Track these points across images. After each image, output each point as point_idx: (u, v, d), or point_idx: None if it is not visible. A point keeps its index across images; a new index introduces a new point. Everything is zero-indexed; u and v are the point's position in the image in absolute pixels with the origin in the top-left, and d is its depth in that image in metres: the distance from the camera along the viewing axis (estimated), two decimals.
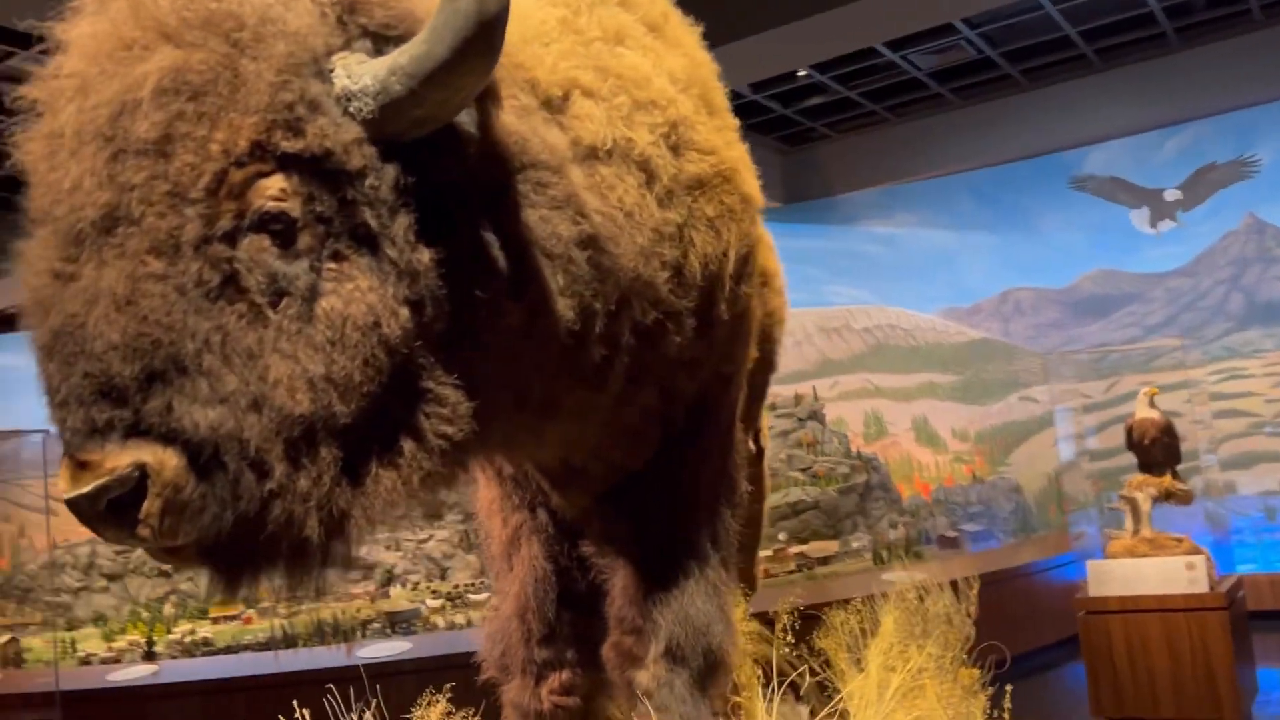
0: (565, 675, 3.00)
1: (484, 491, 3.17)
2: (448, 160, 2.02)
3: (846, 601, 4.69)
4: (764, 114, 11.97)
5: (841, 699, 3.47)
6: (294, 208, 1.83)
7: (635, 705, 2.70)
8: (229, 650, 10.21)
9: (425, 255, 1.95)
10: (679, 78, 2.64)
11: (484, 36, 1.84)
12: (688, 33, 2.85)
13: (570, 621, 3.01)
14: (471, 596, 10.42)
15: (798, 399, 12.77)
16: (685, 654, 2.71)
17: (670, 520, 2.82)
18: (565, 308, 2.22)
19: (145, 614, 11.42)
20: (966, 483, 12.25)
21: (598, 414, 2.60)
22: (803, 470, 12.18)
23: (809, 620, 4.61)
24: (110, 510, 1.73)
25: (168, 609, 11.33)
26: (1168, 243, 12.22)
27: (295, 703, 3.04)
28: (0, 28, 6.21)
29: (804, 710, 3.96)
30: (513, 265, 2.13)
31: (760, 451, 4.64)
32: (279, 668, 9.16)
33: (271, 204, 1.81)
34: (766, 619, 4.94)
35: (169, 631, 10.87)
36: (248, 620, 11.00)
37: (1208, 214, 12.05)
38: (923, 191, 12.88)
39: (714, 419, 2.92)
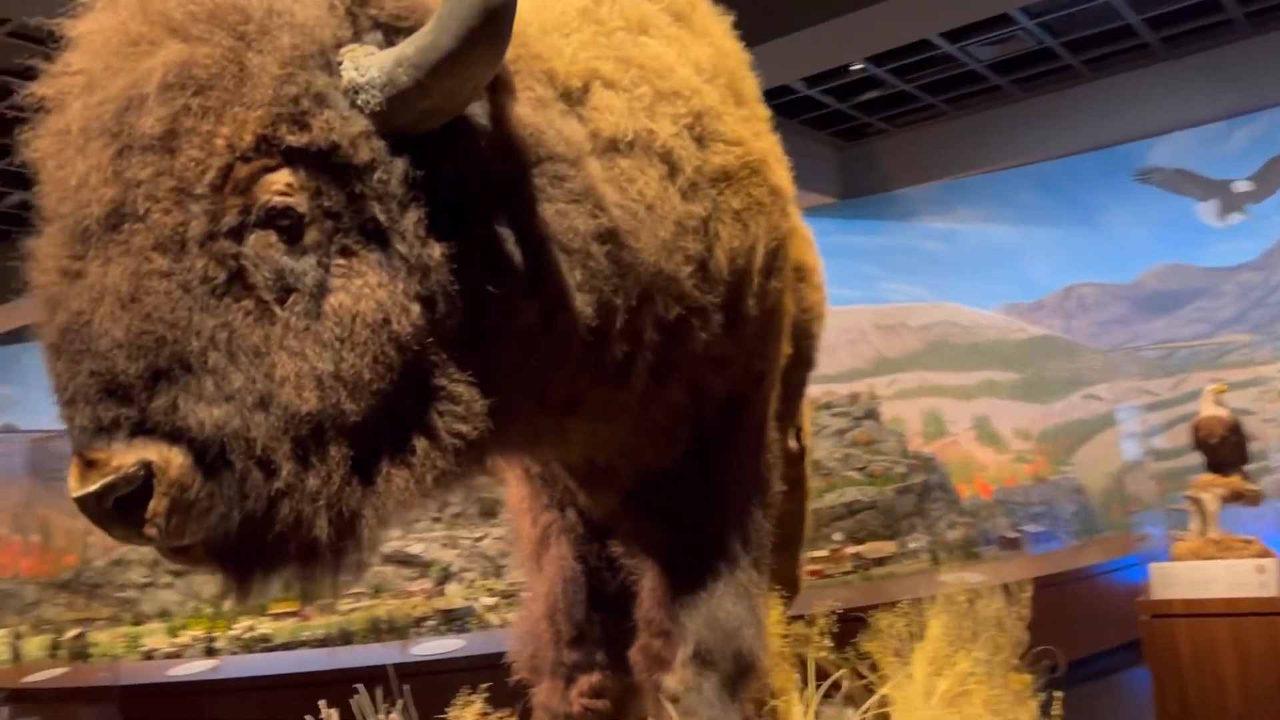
0: (595, 678, 2.95)
1: (514, 490, 3.14)
2: (460, 153, 1.98)
3: (894, 604, 4.57)
4: (818, 109, 11.84)
5: (882, 702, 3.39)
6: (300, 203, 1.80)
7: (663, 709, 2.65)
8: (286, 647, 10.34)
9: (436, 250, 1.91)
10: (705, 67, 2.58)
11: (491, 25, 1.80)
12: (716, 22, 2.78)
13: (600, 623, 2.96)
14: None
15: (854, 397, 12.63)
16: (714, 657, 2.65)
17: (700, 521, 2.76)
18: (584, 304, 2.17)
19: (208, 610, 11.63)
20: (1028, 483, 12.02)
21: (623, 412, 2.54)
22: (859, 470, 12.04)
23: (855, 623, 4.52)
24: (117, 509, 1.71)
25: (229, 605, 11.52)
26: (1237, 236, 11.85)
27: (321, 702, 3.02)
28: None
29: (853, 715, 3.88)
30: (529, 260, 2.09)
31: (802, 450, 4.55)
32: (334, 664, 9.22)
33: (277, 199, 1.79)
34: (811, 621, 4.86)
35: (230, 627, 11.04)
36: (306, 617, 11.14)
37: (1279, 206, 11.67)
38: (982, 186, 12.65)
39: (745, 418, 2.85)
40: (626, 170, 2.30)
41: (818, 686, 3.08)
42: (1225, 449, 7.72)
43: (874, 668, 4.27)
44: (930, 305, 12.93)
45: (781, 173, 2.74)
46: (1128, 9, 10.17)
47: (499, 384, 2.06)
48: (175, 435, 1.72)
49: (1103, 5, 10.04)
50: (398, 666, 8.28)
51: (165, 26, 1.82)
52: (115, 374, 1.70)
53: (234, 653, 10.25)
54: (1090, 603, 9.83)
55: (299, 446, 1.80)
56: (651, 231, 2.32)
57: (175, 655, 10.26)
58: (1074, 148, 12.03)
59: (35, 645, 11.72)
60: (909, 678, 3.92)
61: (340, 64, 1.87)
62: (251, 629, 10.91)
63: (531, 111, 2.15)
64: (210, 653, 10.14)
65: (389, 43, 1.93)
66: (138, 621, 11.64)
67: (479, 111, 1.99)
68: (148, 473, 1.70)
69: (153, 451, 1.70)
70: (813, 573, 10.87)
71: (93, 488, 1.69)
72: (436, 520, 11.57)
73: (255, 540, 1.82)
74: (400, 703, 3.07)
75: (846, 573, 10.77)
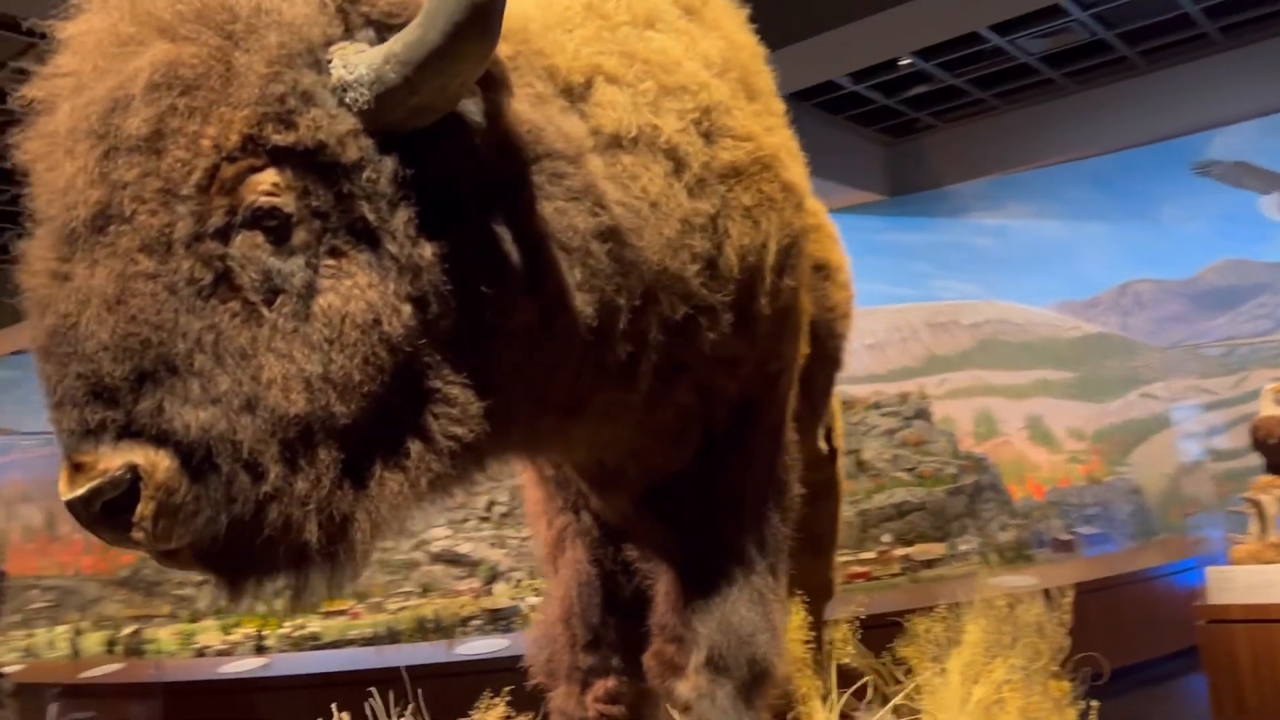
0: (611, 683, 2.91)
1: (530, 493, 3.11)
2: (453, 151, 1.95)
3: (930, 608, 4.47)
4: (865, 105, 11.67)
5: (914, 710, 3.31)
6: (288, 203, 1.79)
7: (677, 716, 2.60)
8: (334, 645, 10.44)
9: (428, 250, 1.89)
10: (714, 62, 2.53)
11: (478, 21, 1.77)
12: (729, 15, 2.73)
13: (616, 627, 2.92)
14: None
15: (903, 397, 12.47)
16: (728, 664, 2.60)
17: (713, 524, 2.71)
18: (584, 303, 2.14)
19: (260, 607, 11.78)
20: (1082, 484, 11.75)
21: (629, 413, 2.50)
22: (908, 470, 11.89)
23: (892, 628, 4.43)
24: (105, 512, 1.71)
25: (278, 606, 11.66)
26: None
27: (334, 705, 3.01)
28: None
29: None
30: (526, 260, 2.05)
31: (833, 452, 4.47)
32: (381, 663, 9.28)
33: (264, 199, 1.77)
34: (848, 625, 4.78)
35: (281, 625, 11.18)
36: (355, 615, 11.25)
37: None
38: (1035, 181, 12.38)
39: (759, 419, 2.79)
40: (629, 167, 2.26)
41: (841, 693, 3.00)
42: None
43: (910, 674, 4.19)
44: (982, 303, 12.69)
45: (796, 168, 2.67)
46: None
47: (497, 385, 2.03)
48: (161, 438, 1.71)
49: None
50: (442, 666, 8.34)
51: (154, 27, 1.81)
52: (101, 377, 1.70)
53: (283, 650, 10.38)
54: (1146, 607, 9.61)
55: (287, 449, 1.78)
56: (655, 229, 2.28)
57: (226, 652, 10.42)
58: (1129, 141, 11.72)
59: (94, 641, 11.97)
60: (943, 684, 3.84)
61: (329, 62, 1.85)
62: (302, 627, 11.05)
63: (530, 108, 2.12)
64: (260, 650, 10.28)
65: (381, 40, 1.91)
66: (193, 618, 11.84)
67: (473, 109, 1.97)
68: (134, 476, 1.69)
69: (139, 455, 1.69)
70: (861, 575, 10.76)
71: (80, 491, 1.68)
72: (485, 520, 11.62)
73: (244, 544, 1.80)
74: (411, 706, 3.04)
75: (895, 575, 10.64)
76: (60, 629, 12.32)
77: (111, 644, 11.19)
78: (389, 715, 3.12)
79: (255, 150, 1.76)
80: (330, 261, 1.83)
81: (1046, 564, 10.68)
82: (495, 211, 2.03)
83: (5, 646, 11.37)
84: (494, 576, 11.23)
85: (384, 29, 1.92)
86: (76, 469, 1.69)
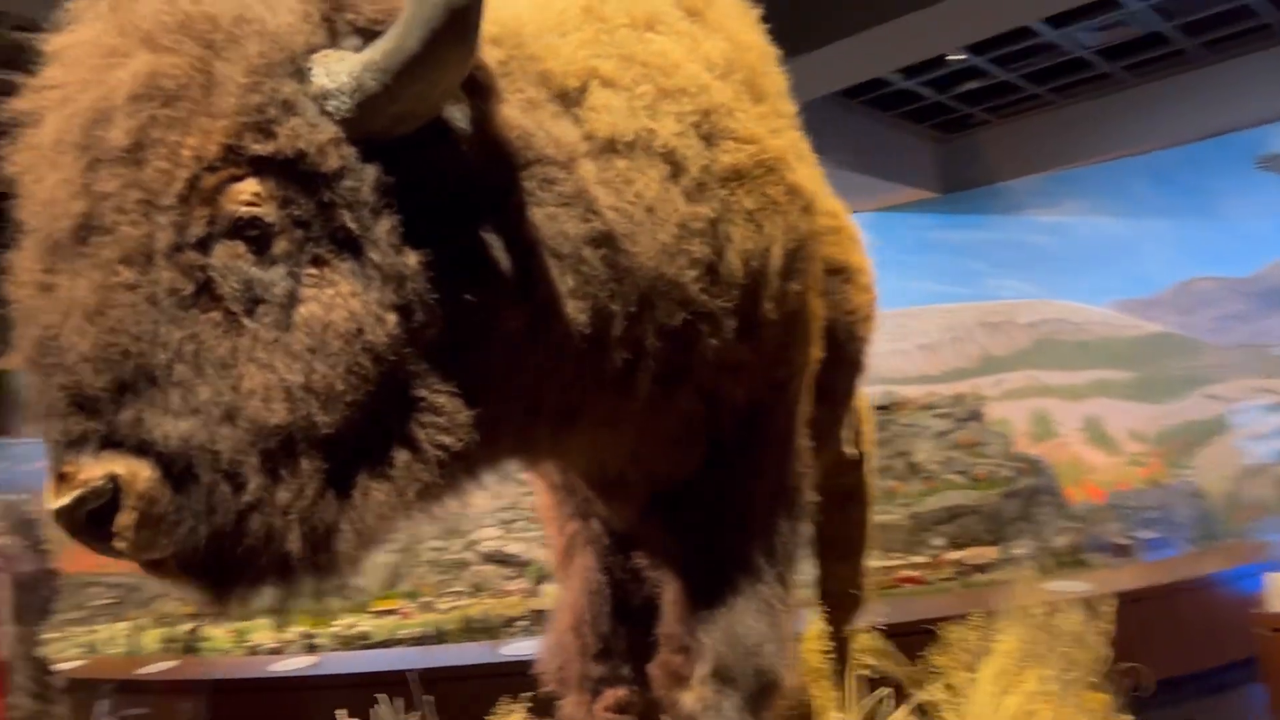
0: (621, 692, 2.89)
1: (542, 498, 3.10)
2: (439, 158, 1.94)
3: (963, 616, 4.39)
4: (916, 101, 11.52)
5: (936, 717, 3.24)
6: (269, 212, 1.79)
7: None
8: (384, 645, 10.53)
9: (412, 258, 1.88)
10: (717, 63, 2.48)
11: (456, 26, 1.75)
12: (736, 16, 2.68)
13: (626, 636, 2.90)
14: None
15: (957, 398, 12.28)
16: (734, 675, 2.56)
17: (720, 533, 2.67)
18: (577, 310, 2.11)
19: (314, 606, 11.93)
20: (1142, 486, 11.47)
21: (629, 421, 2.47)
22: (961, 473, 11.71)
23: (926, 635, 4.37)
24: (90, 522, 1.72)
25: (332, 602, 11.81)
26: None
27: (341, 711, 3.01)
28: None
29: None
30: (516, 266, 2.04)
31: (861, 457, 4.40)
32: (430, 662, 9.34)
33: (244, 209, 1.77)
34: (887, 633, 4.72)
35: (331, 624, 11.31)
36: (406, 614, 11.34)
37: None
38: (1092, 177, 12.11)
39: (768, 426, 2.74)
40: (624, 171, 2.23)
41: (859, 703, 2.95)
42: None
43: (942, 682, 4.11)
44: (1038, 302, 12.45)
45: (803, 171, 2.61)
46: None
47: (487, 393, 2.01)
48: (142, 449, 1.72)
49: None
50: (487, 667, 8.36)
51: (138, 38, 1.82)
52: (82, 388, 1.71)
53: (333, 649, 10.49)
54: (1207, 614, 9.35)
55: (268, 459, 1.78)
56: (651, 234, 2.24)
57: (277, 651, 10.55)
58: (1190, 135, 11.42)
59: (153, 638, 12.20)
60: (973, 692, 3.76)
61: (312, 70, 1.85)
62: (353, 625, 11.17)
63: (520, 114, 2.10)
64: (310, 649, 10.40)
65: (367, 47, 1.90)
66: (248, 616, 12.01)
67: (458, 115, 1.95)
68: (116, 486, 1.70)
69: (120, 465, 1.70)
70: (911, 579, 10.61)
71: (63, 501, 1.70)
72: (535, 520, 11.66)
73: (227, 554, 1.80)
74: (420, 714, 3.04)
75: (945, 580, 10.48)
76: (121, 625, 12.57)
77: (168, 641, 11.38)
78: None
79: (235, 160, 1.77)
80: (313, 270, 1.83)
81: (1103, 569, 10.43)
82: (484, 218, 2.01)
83: (67, 642, 11.63)
84: (543, 577, 11.25)
85: (370, 36, 1.91)
86: (60, 479, 1.71)
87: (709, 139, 2.40)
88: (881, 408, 12.37)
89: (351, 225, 1.83)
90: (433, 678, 8.18)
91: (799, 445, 2.84)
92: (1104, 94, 11.65)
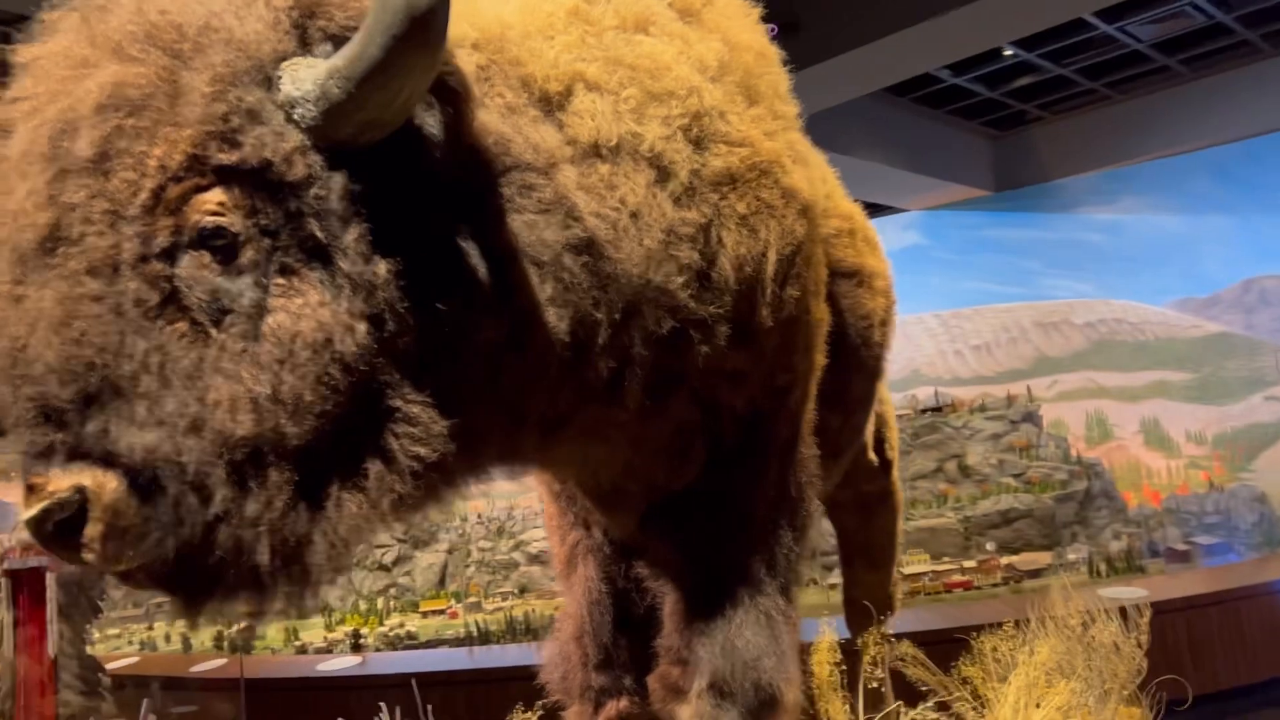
0: (623, 703, 2.84)
1: (546, 507, 3.07)
2: (412, 165, 1.91)
3: (998, 625, 4.26)
4: (968, 98, 11.34)
5: None
6: (234, 222, 1.77)
7: None
8: (428, 645, 10.59)
9: (383, 267, 1.85)
10: (710, 65, 2.42)
11: (417, 33, 1.72)
12: (734, 16, 2.61)
13: (628, 646, 2.85)
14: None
15: (1010, 400, 12.06)
16: (732, 688, 2.50)
17: (720, 543, 2.61)
18: (557, 318, 2.07)
19: (364, 606, 12.05)
20: (1202, 490, 11.16)
21: (619, 430, 2.42)
22: (1015, 476, 11.50)
23: (956, 645, 4.25)
24: (60, 533, 1.72)
25: (381, 602, 11.92)
26: None
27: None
28: None
29: None
30: (494, 274, 2.00)
31: (886, 464, 4.30)
32: (472, 664, 9.39)
33: (209, 219, 1.76)
34: (919, 641, 4.60)
35: (381, 624, 11.41)
36: (454, 614, 11.42)
37: None
38: (1150, 173, 11.81)
39: (768, 434, 2.67)
40: (607, 177, 2.18)
41: (869, 717, 2.88)
42: None
43: (975, 695, 4.00)
44: (1095, 301, 12.17)
45: (800, 173, 2.54)
46: None
47: (464, 403, 1.98)
48: (109, 460, 1.71)
49: None
50: (529, 669, 8.37)
51: (107, 49, 1.82)
52: (49, 399, 1.71)
53: (378, 649, 10.58)
54: (1270, 622, 9.07)
55: (235, 471, 1.76)
56: (636, 240, 2.19)
57: (326, 650, 10.66)
58: (1253, 130, 11.08)
59: (207, 636, 12.40)
60: (999, 704, 3.65)
61: (280, 78, 1.83)
62: (401, 625, 11.26)
63: (499, 119, 2.07)
64: (356, 648, 10.49)
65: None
66: (301, 615, 12.17)
67: (430, 121, 1.92)
68: (83, 497, 1.70)
69: (87, 477, 1.70)
70: (961, 584, 10.43)
71: (32, 512, 1.70)
72: None
73: (196, 566, 1.79)
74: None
75: (995, 585, 10.28)
76: (178, 622, 12.78)
77: (220, 638, 11.55)
78: None
79: (201, 169, 1.75)
80: (281, 280, 1.81)
81: (1159, 575, 10.17)
82: (459, 226, 1.98)
83: (124, 639, 11.87)
84: None
85: (342, 43, 1.89)
86: (29, 490, 1.71)
87: (699, 143, 2.34)
88: (933, 409, 12.20)
89: (319, 234, 1.81)
90: (467, 679, 8.24)
91: (803, 454, 2.77)
92: (1162, 88, 11.37)
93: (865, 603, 4.22)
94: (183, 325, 1.76)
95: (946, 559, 11.04)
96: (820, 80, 8.75)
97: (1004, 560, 10.64)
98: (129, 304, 1.73)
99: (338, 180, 1.81)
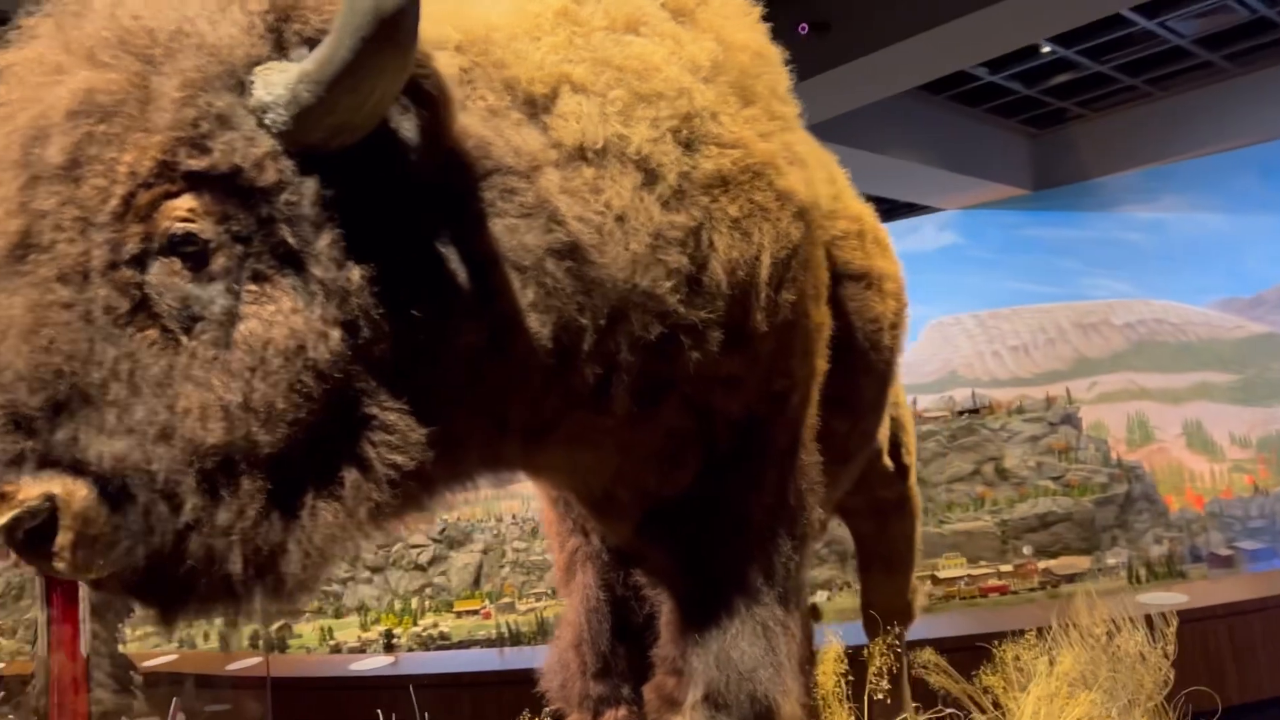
0: (621, 712, 2.80)
1: (546, 513, 3.03)
2: (388, 170, 1.89)
3: (1021, 633, 4.17)
4: (1006, 95, 11.18)
5: None
6: (205, 228, 1.75)
7: None
8: (461, 645, 10.62)
9: (356, 273, 1.82)
10: (702, 65, 2.37)
11: (385, 34, 1.69)
12: (730, 16, 2.55)
13: (626, 655, 2.81)
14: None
15: (1049, 401, 11.89)
16: (727, 700, 2.44)
17: (716, 551, 2.56)
18: (539, 324, 2.04)
19: (399, 605, 12.12)
20: (1246, 494, 10.92)
21: (607, 437, 2.38)
22: (1054, 479, 11.33)
23: (977, 652, 4.17)
24: (31, 541, 1.72)
25: (415, 602, 11.98)
26: None
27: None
28: None
29: None
30: (474, 279, 1.97)
31: (903, 469, 4.23)
32: (502, 665, 9.39)
33: (179, 225, 1.74)
34: (941, 648, 4.53)
35: (415, 624, 11.46)
36: (486, 615, 11.44)
37: None
38: (1193, 171, 11.59)
39: (766, 440, 2.61)
40: (591, 180, 2.14)
41: None
42: None
43: (996, 704, 3.93)
44: (1136, 302, 11.96)
45: (796, 175, 2.47)
46: None
47: (443, 410, 1.95)
48: (78, 468, 1.70)
49: None
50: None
51: (80, 54, 1.81)
52: (18, 406, 1.70)
53: (411, 649, 10.62)
54: None
55: (206, 479, 1.75)
56: (621, 245, 2.15)
57: (359, 649, 10.72)
58: None
59: (243, 633, 12.52)
60: (1017, 714, 3.58)
61: (253, 83, 1.81)
62: (435, 625, 11.31)
63: (480, 122, 2.03)
64: (389, 649, 10.54)
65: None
66: (338, 614, 12.25)
67: (406, 125, 1.89)
68: (53, 506, 1.69)
69: (57, 485, 1.69)
70: (997, 588, 10.29)
71: (3, 520, 1.69)
72: None
73: (168, 574, 1.78)
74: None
75: (1031, 589, 10.13)
76: (217, 621, 12.92)
77: (256, 637, 11.65)
78: None
79: (170, 176, 1.73)
80: (253, 287, 1.79)
81: (1201, 580, 9.96)
82: (437, 231, 1.95)
83: (161, 636, 12.00)
84: None
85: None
86: (1, 498, 1.71)
87: (689, 145, 2.29)
88: (970, 411, 12.05)
89: (292, 240, 1.78)
90: (495, 680, 8.25)
91: (803, 460, 2.71)
92: (1204, 84, 11.14)
93: (881, 610, 4.16)
94: (153, 333, 1.74)
95: (983, 563, 10.90)
96: (853, 79, 8.67)
97: (1041, 565, 10.49)
98: (99, 311, 1.72)
99: (310, 185, 1.79)
